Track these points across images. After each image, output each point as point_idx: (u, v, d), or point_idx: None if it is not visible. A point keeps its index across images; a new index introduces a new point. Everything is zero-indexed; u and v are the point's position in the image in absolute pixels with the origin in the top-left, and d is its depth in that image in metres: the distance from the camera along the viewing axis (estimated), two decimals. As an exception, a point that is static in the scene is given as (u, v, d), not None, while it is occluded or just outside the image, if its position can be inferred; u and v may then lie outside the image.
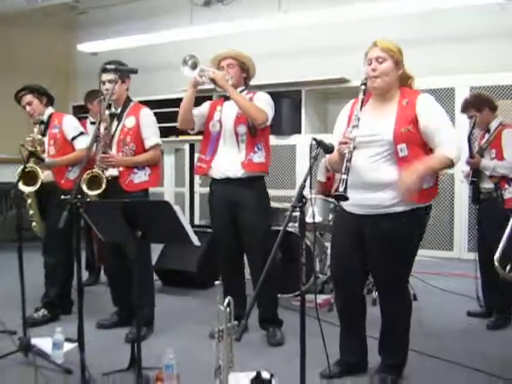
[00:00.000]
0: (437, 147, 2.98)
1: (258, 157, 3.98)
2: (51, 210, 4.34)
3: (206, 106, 4.20)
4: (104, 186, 3.96)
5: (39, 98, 4.46)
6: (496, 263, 2.79)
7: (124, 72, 3.92)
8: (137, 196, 4.07)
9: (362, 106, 3.00)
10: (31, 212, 4.40)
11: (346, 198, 2.82)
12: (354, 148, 2.90)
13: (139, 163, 4.14)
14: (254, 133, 3.95)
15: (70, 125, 4.46)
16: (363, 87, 3.03)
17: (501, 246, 3.02)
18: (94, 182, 3.99)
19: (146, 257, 4.11)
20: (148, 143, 4.16)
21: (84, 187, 3.97)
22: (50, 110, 4.52)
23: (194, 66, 3.80)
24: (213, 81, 3.89)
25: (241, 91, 4.07)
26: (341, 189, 2.80)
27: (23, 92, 4.45)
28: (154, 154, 4.18)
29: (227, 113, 4.02)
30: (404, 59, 3.09)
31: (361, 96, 3.02)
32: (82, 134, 4.48)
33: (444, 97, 6.90)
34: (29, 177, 4.17)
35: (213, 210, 4.18)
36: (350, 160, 2.88)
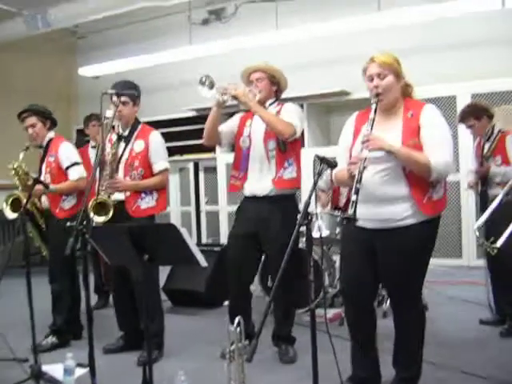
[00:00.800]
0: (427, 154, 2.94)
1: (289, 172, 3.91)
2: (51, 236, 4.36)
3: (235, 120, 4.15)
4: (111, 212, 3.91)
5: (43, 121, 4.44)
6: (476, 233, 2.73)
7: (135, 96, 3.92)
8: (143, 222, 4.00)
9: (372, 126, 2.94)
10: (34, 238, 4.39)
11: (355, 221, 2.80)
12: (364, 168, 2.85)
13: (147, 188, 4.08)
14: (284, 148, 3.88)
15: (64, 154, 4.39)
16: (374, 106, 2.99)
17: (484, 217, 2.94)
18: (101, 208, 3.95)
19: (153, 280, 4.07)
20: (156, 168, 4.10)
21: (91, 214, 3.94)
22: (50, 135, 4.49)
23: (211, 86, 3.77)
24: (235, 98, 3.81)
25: (270, 104, 4.02)
26: (350, 211, 2.76)
27: (28, 113, 4.42)
28: (162, 179, 4.13)
29: (256, 128, 3.96)
30: (403, 68, 3.08)
31: (372, 115, 2.96)
32: (75, 164, 4.41)
33: (445, 105, 6.89)
34: (16, 204, 4.21)
35: (237, 221, 4.11)
36: (359, 181, 2.83)
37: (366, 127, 2.98)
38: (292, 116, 3.89)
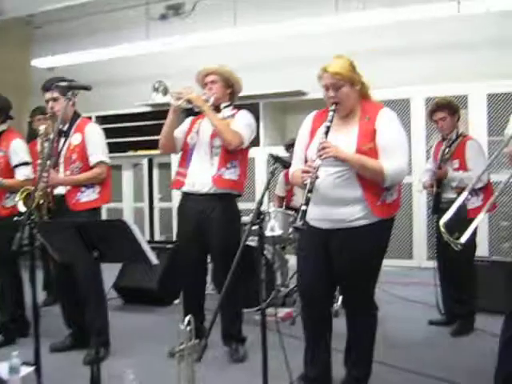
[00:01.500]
0: (381, 160, 2.95)
1: (230, 173, 3.90)
2: None
3: (187, 122, 4.15)
4: (37, 202, 3.79)
5: None
6: (442, 228, 2.77)
7: (76, 89, 3.81)
8: (84, 215, 3.90)
9: (327, 133, 2.94)
10: None
11: (303, 230, 2.80)
12: (317, 177, 2.85)
13: (78, 182, 3.97)
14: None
15: (15, 152, 4.28)
16: (332, 113, 2.98)
17: (451, 212, 2.97)
18: (29, 199, 3.81)
19: (97, 277, 3.91)
20: (92, 160, 4.00)
21: (20, 204, 3.90)
22: (2, 127, 4.37)
23: (165, 92, 3.77)
24: (190, 102, 3.82)
25: (225, 106, 4.03)
26: (298, 222, 2.75)
27: None
28: (97, 173, 4.00)
29: (206, 126, 3.95)
30: (357, 70, 3.06)
31: (328, 124, 2.96)
32: (25, 163, 4.30)
33: (399, 108, 6.99)
34: None
35: (180, 222, 4.11)
36: (311, 191, 2.82)
37: (321, 133, 2.98)
38: (243, 126, 3.92)
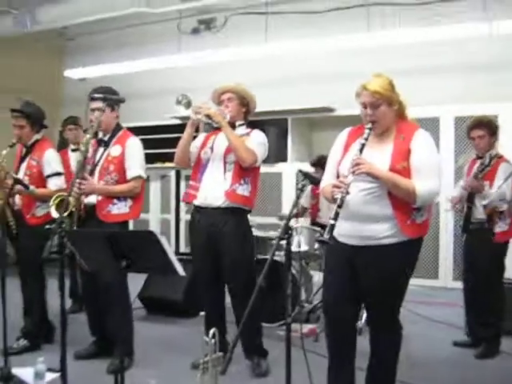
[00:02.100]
0: (414, 180, 2.94)
1: (243, 189, 3.93)
2: (22, 241, 4.31)
3: (200, 137, 4.19)
4: (70, 209, 3.83)
5: (32, 125, 4.39)
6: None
7: (112, 101, 3.90)
8: (113, 227, 3.93)
9: (361, 150, 2.94)
10: None
11: (329, 244, 2.80)
12: (348, 193, 2.85)
13: (114, 193, 4.03)
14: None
15: (48, 162, 4.36)
16: (368, 132, 2.99)
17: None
18: (62, 205, 3.84)
19: (123, 286, 3.98)
20: (129, 174, 4.06)
21: (52, 210, 3.95)
22: (36, 137, 4.45)
23: (188, 105, 3.81)
24: (208, 117, 3.86)
25: (239, 125, 4.08)
26: (326, 235, 2.76)
27: (19, 114, 4.36)
28: (133, 186, 4.06)
29: (220, 141, 3.98)
30: (396, 89, 3.05)
31: (363, 141, 2.97)
32: (57, 174, 4.39)
33: (429, 126, 6.95)
34: None
35: (192, 237, 4.15)
36: (340, 206, 2.82)
37: (355, 149, 2.98)
38: (257, 145, 3.96)
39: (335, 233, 3.12)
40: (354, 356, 3.24)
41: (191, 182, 4.09)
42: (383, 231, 2.97)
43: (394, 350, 3.16)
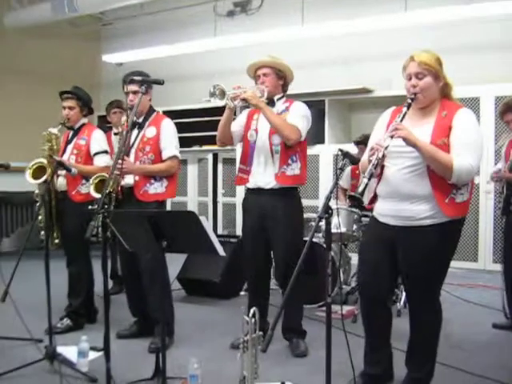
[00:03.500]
0: (453, 155, 2.91)
1: (292, 169, 3.93)
2: (66, 219, 4.41)
3: (243, 115, 4.19)
4: (110, 188, 3.84)
5: (81, 107, 4.52)
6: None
7: (150, 83, 3.93)
8: (151, 207, 4.04)
9: (402, 119, 2.95)
10: (41, 222, 4.34)
11: (360, 201, 2.79)
12: (384, 156, 2.86)
13: (152, 172, 4.10)
14: (290, 144, 3.91)
15: (96, 140, 4.48)
16: (409, 101, 2.98)
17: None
18: (102, 185, 3.96)
19: (163, 267, 4.04)
20: (165, 154, 4.13)
21: (92, 189, 4.06)
22: (83, 120, 4.57)
23: (223, 94, 3.80)
24: (245, 101, 3.84)
25: (278, 98, 4.06)
26: (359, 189, 2.77)
27: (70, 95, 4.49)
28: (169, 165, 4.14)
29: (263, 122, 3.96)
30: (444, 67, 3.03)
31: (405, 109, 2.97)
32: (105, 152, 4.51)
33: (469, 107, 6.84)
34: (38, 171, 4.24)
35: (244, 217, 4.16)
36: (375, 166, 2.84)
37: (396, 118, 2.98)
38: (299, 119, 3.92)
39: (376, 213, 3.12)
40: (389, 335, 3.26)
41: (241, 166, 4.10)
42: (423, 212, 2.96)
43: (434, 331, 3.16)
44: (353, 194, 2.76)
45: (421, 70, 2.97)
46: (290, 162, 3.94)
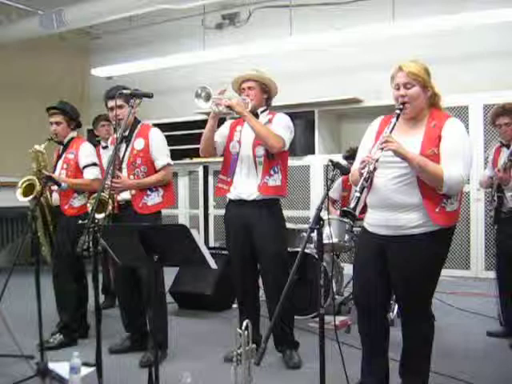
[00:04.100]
0: (443, 166, 2.91)
1: (274, 180, 3.94)
2: (59, 232, 4.39)
3: (226, 126, 4.19)
4: (109, 209, 3.94)
5: (68, 122, 4.51)
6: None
7: (139, 97, 3.91)
8: (151, 218, 4.06)
9: (392, 130, 2.95)
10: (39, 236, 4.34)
11: (353, 216, 2.79)
12: (375, 169, 2.87)
13: (149, 185, 4.12)
14: (272, 156, 3.92)
15: (84, 153, 4.47)
16: (398, 112, 2.99)
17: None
18: (100, 205, 3.96)
19: (157, 281, 4.03)
20: (159, 164, 4.14)
21: (89, 206, 4.04)
22: (72, 134, 4.56)
23: (208, 97, 3.80)
24: (230, 108, 3.85)
25: (262, 111, 4.06)
26: (352, 204, 2.77)
27: (56, 110, 4.49)
28: (164, 175, 4.16)
29: (246, 134, 3.98)
30: (431, 77, 3.04)
31: (394, 120, 2.98)
32: (93, 164, 4.48)
33: (457, 115, 6.89)
34: (28, 189, 4.22)
35: (227, 231, 4.16)
36: (367, 180, 2.85)
37: (386, 130, 2.99)
38: (282, 129, 3.93)
39: (366, 223, 3.13)
40: (386, 346, 3.24)
41: (222, 177, 4.10)
42: (413, 221, 2.96)
43: (426, 341, 3.14)
44: (345, 209, 2.76)
45: (409, 80, 2.98)
46: (272, 172, 3.95)
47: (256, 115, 4.01)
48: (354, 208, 2.76)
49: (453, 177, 2.86)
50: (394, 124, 2.97)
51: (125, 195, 4.09)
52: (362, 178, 2.85)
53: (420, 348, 3.15)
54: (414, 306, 3.11)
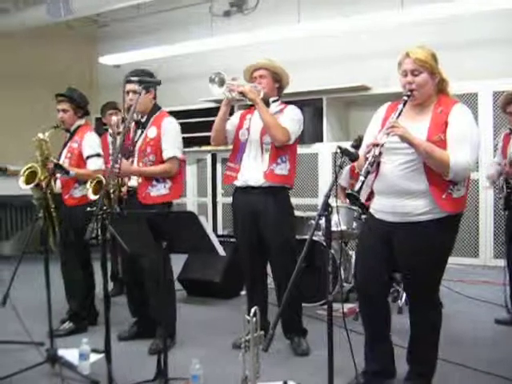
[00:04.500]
0: (449, 152, 2.90)
1: (281, 169, 3.93)
2: (63, 222, 4.38)
3: (236, 115, 4.19)
4: (107, 192, 3.87)
5: (75, 109, 4.49)
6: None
7: (147, 84, 3.90)
8: (154, 209, 3.98)
9: (398, 116, 2.95)
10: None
11: (357, 199, 2.78)
12: (380, 154, 2.87)
13: (152, 174, 4.07)
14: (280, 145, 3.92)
15: (88, 143, 4.42)
16: (406, 98, 2.98)
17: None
18: (100, 187, 3.97)
19: (166, 268, 4.01)
20: (165, 155, 4.08)
21: (90, 192, 4.01)
22: (79, 122, 4.54)
23: (222, 83, 3.79)
24: (242, 94, 3.83)
25: (273, 101, 4.05)
26: (356, 187, 2.77)
27: (63, 98, 4.46)
28: (168, 167, 4.08)
29: (256, 121, 3.98)
30: (439, 63, 3.03)
31: (401, 106, 2.97)
32: (97, 155, 4.44)
33: (467, 102, 6.86)
34: (30, 177, 4.21)
35: (235, 218, 4.17)
36: (372, 164, 2.84)
37: (393, 115, 2.98)
38: (290, 122, 3.92)
39: (372, 209, 3.12)
40: (388, 331, 3.25)
41: (230, 164, 4.10)
42: (420, 207, 2.96)
43: (433, 328, 3.15)
44: (350, 191, 2.76)
45: (416, 67, 2.97)
46: (279, 161, 3.94)
47: (267, 104, 4.00)
48: (359, 191, 2.76)
49: (459, 163, 2.86)
50: (401, 110, 2.96)
51: (133, 182, 4.07)
52: (367, 162, 2.85)
53: (428, 335, 3.16)
54: (421, 293, 3.11)
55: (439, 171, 2.89)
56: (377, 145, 2.87)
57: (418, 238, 2.98)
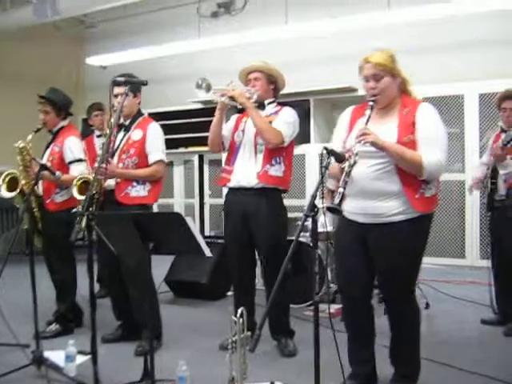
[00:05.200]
0: (420, 152, 2.92)
1: (275, 170, 3.92)
2: (45, 227, 4.35)
3: (232, 119, 4.20)
4: (94, 190, 3.76)
5: (57, 112, 4.43)
6: None
7: (134, 84, 3.89)
8: (132, 210, 3.94)
9: (367, 122, 2.95)
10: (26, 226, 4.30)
11: (339, 212, 2.78)
12: (355, 163, 2.86)
13: (138, 177, 4.06)
14: None
15: (69, 148, 4.37)
16: (371, 103, 3.00)
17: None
18: (85, 187, 3.94)
19: (148, 269, 3.95)
20: (151, 158, 4.09)
21: (75, 191, 4.00)
22: (62, 123, 4.49)
23: (208, 88, 3.80)
24: (232, 98, 3.85)
25: (269, 103, 4.06)
26: (336, 200, 2.74)
27: (44, 100, 4.41)
28: (155, 170, 4.09)
29: (251, 123, 3.96)
30: (399, 64, 3.05)
31: (368, 112, 2.98)
32: (79, 160, 4.38)
33: (453, 104, 6.90)
34: (12, 183, 4.19)
35: (226, 219, 4.15)
36: (348, 174, 2.83)
37: (361, 121, 3.00)
38: (284, 125, 3.92)
39: (345, 211, 3.10)
40: (371, 332, 3.25)
41: (225, 167, 4.10)
42: (393, 208, 2.97)
43: (413, 328, 3.16)
44: (330, 205, 2.75)
45: (377, 72, 2.99)
46: (273, 162, 3.93)
47: (263, 106, 4.01)
48: (339, 204, 2.75)
49: (432, 162, 2.89)
50: (369, 116, 2.97)
51: (110, 181, 4.03)
52: (344, 173, 2.83)
53: (408, 335, 3.17)
54: (397, 291, 3.12)
55: (412, 172, 2.92)
56: (352, 155, 2.86)
57: (391, 239, 2.99)
